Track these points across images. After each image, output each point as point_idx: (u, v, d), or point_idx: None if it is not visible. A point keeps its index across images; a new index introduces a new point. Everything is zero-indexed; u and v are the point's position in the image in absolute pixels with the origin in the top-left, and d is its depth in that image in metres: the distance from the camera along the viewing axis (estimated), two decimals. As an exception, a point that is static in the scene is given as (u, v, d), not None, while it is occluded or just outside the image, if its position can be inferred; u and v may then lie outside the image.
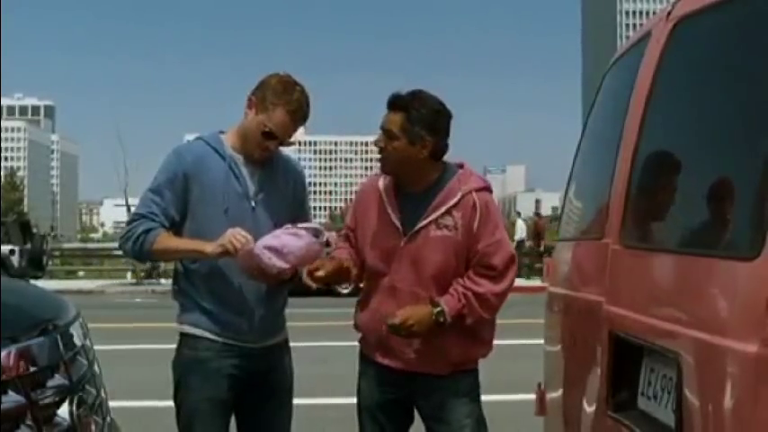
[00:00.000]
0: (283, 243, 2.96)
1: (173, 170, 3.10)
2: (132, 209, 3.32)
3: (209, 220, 3.06)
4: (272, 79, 3.10)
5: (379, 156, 3.13)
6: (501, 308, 3.13)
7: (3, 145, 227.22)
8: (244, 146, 3.14)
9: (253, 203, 3.12)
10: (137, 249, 3.09)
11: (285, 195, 3.22)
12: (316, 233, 3.03)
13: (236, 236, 2.95)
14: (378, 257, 3.15)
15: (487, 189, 3.16)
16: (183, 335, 3.14)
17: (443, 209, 3.07)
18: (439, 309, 3.01)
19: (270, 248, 2.95)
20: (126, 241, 3.11)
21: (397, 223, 3.11)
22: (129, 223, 3.14)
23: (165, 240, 3.06)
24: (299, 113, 3.08)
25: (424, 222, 3.08)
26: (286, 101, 3.06)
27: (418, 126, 3.04)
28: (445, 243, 3.06)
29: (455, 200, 3.07)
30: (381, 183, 3.20)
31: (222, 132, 3.22)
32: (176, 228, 3.11)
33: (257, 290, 3.09)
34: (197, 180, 3.07)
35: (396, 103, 3.07)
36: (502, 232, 3.15)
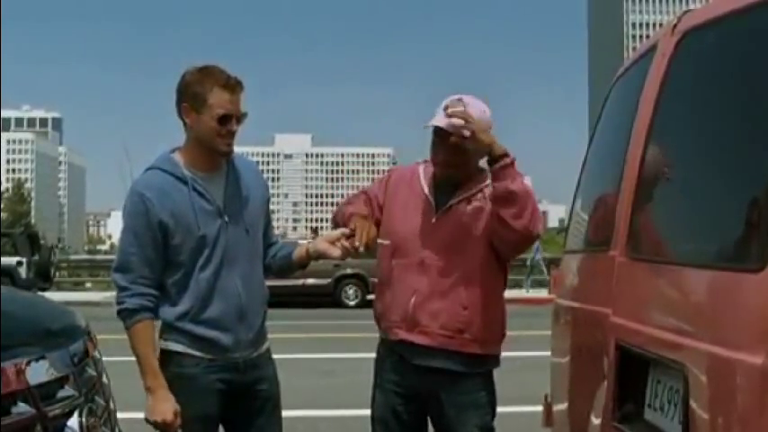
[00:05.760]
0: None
1: (145, 217, 2.98)
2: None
3: (190, 253, 3.01)
4: (186, 78, 3.01)
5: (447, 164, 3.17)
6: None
7: (10, 157, 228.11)
8: (203, 154, 3.04)
9: (226, 218, 3.04)
10: (123, 323, 3.05)
11: (253, 200, 3.15)
12: None
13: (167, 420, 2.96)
14: (408, 234, 3.19)
15: None
16: (166, 352, 3.06)
17: (475, 189, 3.20)
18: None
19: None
20: (118, 313, 3.04)
21: (431, 199, 3.20)
22: (119, 288, 3.03)
23: (137, 337, 2.99)
24: (232, 80, 2.99)
25: (457, 200, 3.18)
26: (214, 80, 2.96)
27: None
28: (477, 213, 3.16)
29: (487, 181, 3.18)
30: (421, 168, 3.30)
31: (175, 150, 3.11)
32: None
33: (237, 306, 3.05)
34: (168, 216, 2.98)
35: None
36: None
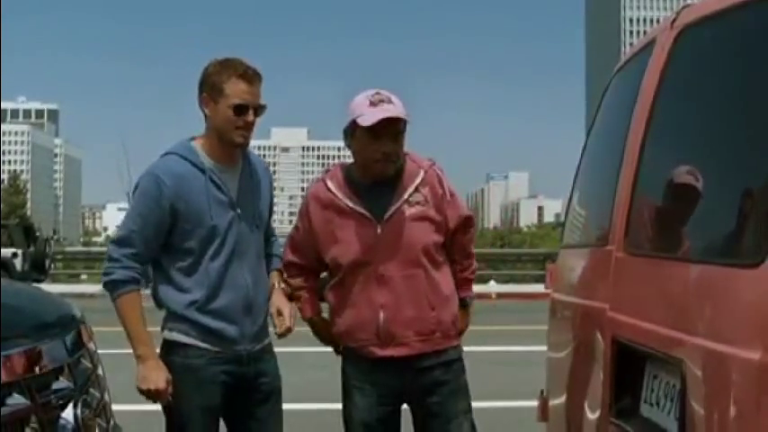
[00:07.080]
0: None
1: (156, 200, 3.00)
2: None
3: (200, 242, 3.02)
4: (207, 70, 3.05)
5: (387, 163, 3.11)
6: None
7: (6, 148, 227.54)
8: (221, 145, 3.06)
9: (238, 210, 3.07)
10: (109, 294, 3.06)
11: (263, 196, 3.20)
12: None
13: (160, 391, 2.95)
14: (354, 253, 3.13)
15: (435, 163, 3.28)
16: (170, 342, 3.07)
17: (411, 188, 3.15)
18: (468, 303, 3.33)
19: None
20: (105, 284, 3.06)
21: (367, 213, 3.14)
22: (109, 259, 3.05)
23: (126, 306, 3.00)
24: (250, 71, 3.02)
25: (397, 205, 3.13)
26: (232, 71, 3.00)
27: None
28: (422, 217, 3.15)
29: (420, 177, 3.17)
30: (330, 183, 3.21)
31: (193, 138, 3.14)
32: (164, 250, 3.06)
33: (245, 299, 3.07)
34: (182, 202, 3.00)
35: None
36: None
